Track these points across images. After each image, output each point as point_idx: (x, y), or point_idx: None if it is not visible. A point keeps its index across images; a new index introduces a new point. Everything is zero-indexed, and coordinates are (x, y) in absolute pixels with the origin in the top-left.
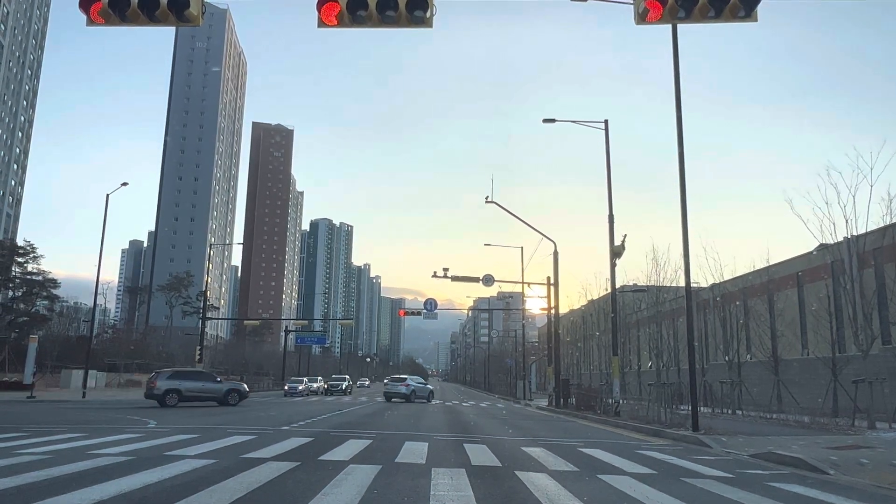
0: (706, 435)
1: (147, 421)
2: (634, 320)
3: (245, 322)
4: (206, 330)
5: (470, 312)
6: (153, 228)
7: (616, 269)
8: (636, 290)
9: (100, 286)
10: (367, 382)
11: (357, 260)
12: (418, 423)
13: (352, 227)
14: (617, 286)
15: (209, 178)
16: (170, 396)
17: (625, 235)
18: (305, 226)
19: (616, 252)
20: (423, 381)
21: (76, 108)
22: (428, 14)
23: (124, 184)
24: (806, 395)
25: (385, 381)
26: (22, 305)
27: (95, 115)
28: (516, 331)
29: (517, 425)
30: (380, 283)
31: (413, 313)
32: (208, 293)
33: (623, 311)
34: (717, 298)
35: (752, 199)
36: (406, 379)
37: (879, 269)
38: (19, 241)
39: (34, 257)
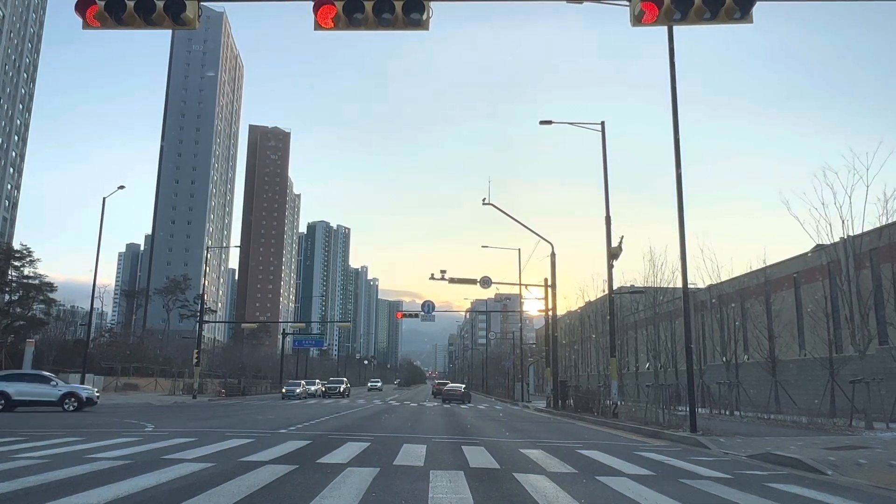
0: (704, 436)
1: (145, 425)
2: (632, 322)
3: (243, 325)
4: (204, 333)
5: (468, 314)
6: (150, 232)
7: (613, 270)
8: (633, 291)
9: (97, 289)
10: (378, 384)
11: (354, 262)
12: (416, 426)
13: (349, 229)
14: (614, 287)
15: (206, 181)
16: None
17: (622, 237)
18: (303, 228)
19: (613, 253)
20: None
21: (73, 111)
22: (424, 17)
23: (121, 187)
24: (803, 396)
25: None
26: (18, 309)
27: (92, 119)
28: (514, 333)
29: (515, 427)
30: (377, 286)
31: (411, 315)
32: (206, 296)
33: (621, 312)
34: (714, 300)
35: (748, 200)
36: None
37: (876, 270)
38: (16, 245)
39: (31, 261)
